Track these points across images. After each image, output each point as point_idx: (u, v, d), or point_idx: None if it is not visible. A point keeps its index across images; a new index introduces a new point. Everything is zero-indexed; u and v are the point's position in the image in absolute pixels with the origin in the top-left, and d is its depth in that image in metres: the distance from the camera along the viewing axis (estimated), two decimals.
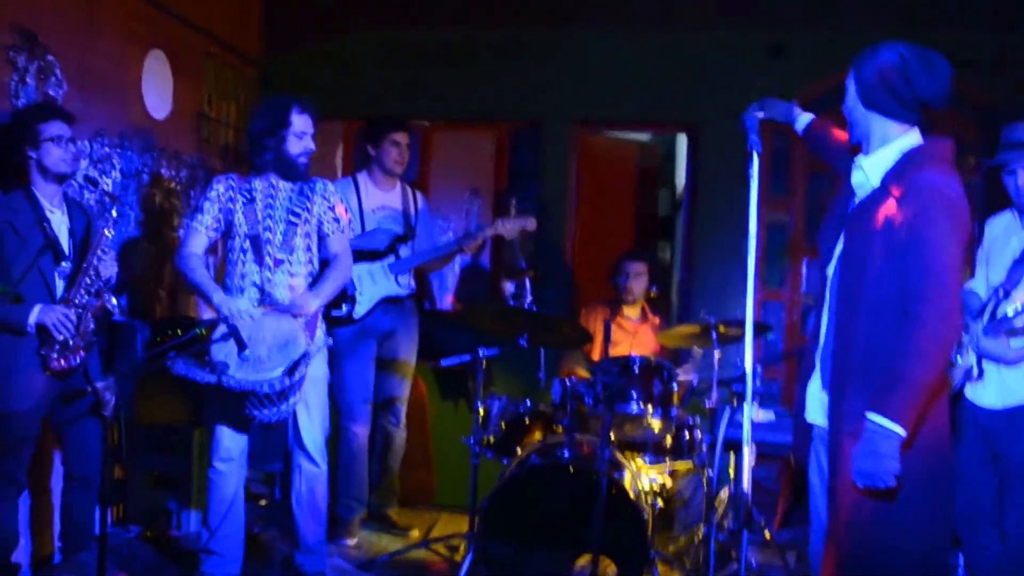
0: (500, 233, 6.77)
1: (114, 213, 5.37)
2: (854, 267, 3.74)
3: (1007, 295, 4.73)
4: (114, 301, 5.31)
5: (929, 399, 3.55)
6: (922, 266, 3.51)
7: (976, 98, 7.10)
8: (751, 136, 3.83)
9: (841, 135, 4.19)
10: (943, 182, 3.59)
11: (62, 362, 5.14)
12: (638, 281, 7.18)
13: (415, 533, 6.96)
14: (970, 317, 4.86)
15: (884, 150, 3.76)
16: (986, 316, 4.78)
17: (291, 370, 5.16)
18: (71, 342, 5.13)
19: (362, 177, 6.93)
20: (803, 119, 4.48)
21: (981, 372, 4.75)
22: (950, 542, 3.87)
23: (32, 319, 5.03)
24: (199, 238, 5.61)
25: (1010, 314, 4.58)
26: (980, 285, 5.00)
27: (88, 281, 5.21)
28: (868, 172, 3.79)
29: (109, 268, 5.34)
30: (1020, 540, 4.68)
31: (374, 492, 7.14)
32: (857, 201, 3.85)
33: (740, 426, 3.90)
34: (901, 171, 3.67)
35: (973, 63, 7.00)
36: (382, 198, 6.91)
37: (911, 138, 3.76)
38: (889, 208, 3.64)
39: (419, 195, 7.15)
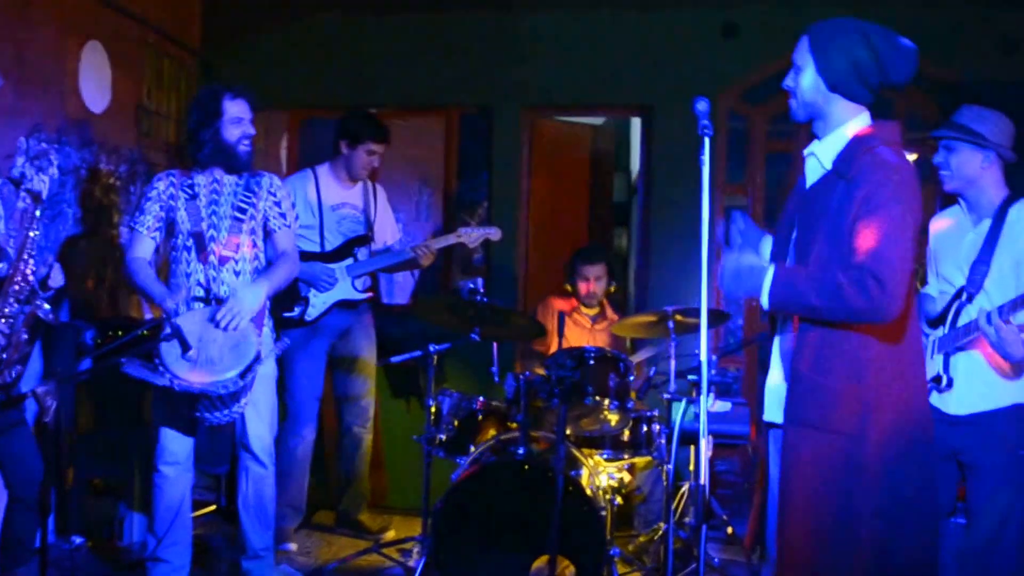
0: (463, 242, 6.78)
1: (38, 213, 5.28)
2: (806, 254, 3.78)
3: (970, 299, 4.65)
4: (47, 307, 5.21)
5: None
6: (875, 253, 3.53)
7: (934, 75, 7.15)
8: (701, 120, 3.84)
9: None
10: (894, 165, 3.63)
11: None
12: (598, 284, 7.19)
13: (391, 534, 6.99)
14: (927, 324, 4.85)
15: (836, 133, 3.81)
16: (947, 323, 4.75)
17: (245, 372, 5.15)
18: (4, 355, 5.06)
19: (323, 171, 6.91)
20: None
21: (950, 382, 4.71)
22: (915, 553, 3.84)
23: None
24: (143, 241, 5.58)
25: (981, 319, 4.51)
26: (934, 288, 4.95)
27: (16, 288, 5.07)
28: (820, 157, 3.84)
29: (41, 272, 5.27)
30: (987, 530, 4.69)
31: (343, 497, 7.18)
32: (808, 186, 3.89)
33: (697, 417, 3.91)
34: (852, 154, 3.71)
35: (931, 38, 7.04)
36: (343, 195, 6.92)
37: (862, 120, 3.81)
38: (840, 192, 3.68)
39: (380, 189, 7.17)
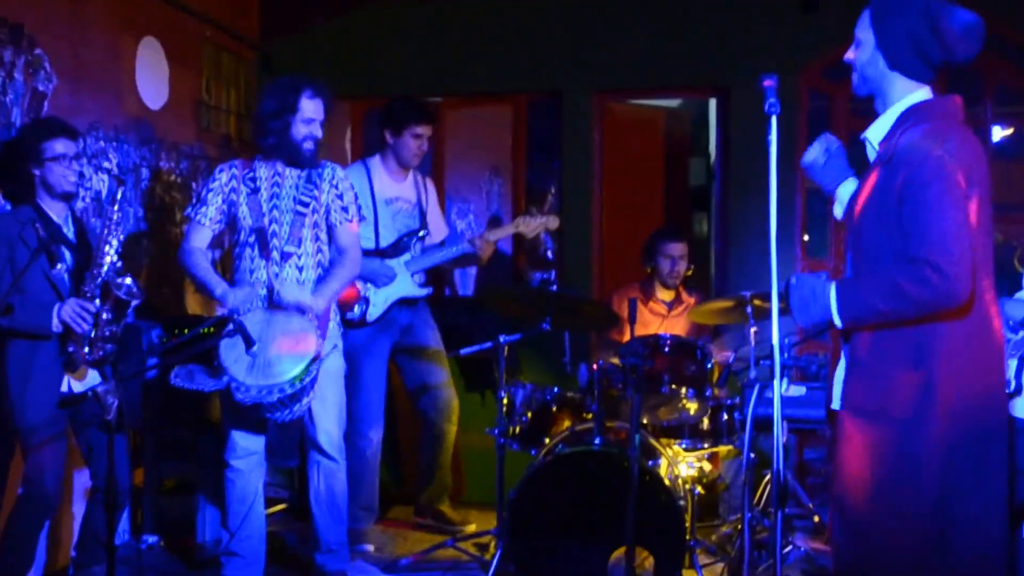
0: (521, 232, 6.76)
1: (119, 195, 5.27)
2: (858, 242, 3.73)
3: None
4: (128, 281, 5.20)
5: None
6: (925, 239, 3.44)
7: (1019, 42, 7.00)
8: (769, 98, 3.78)
9: None
10: (934, 141, 3.52)
11: (89, 356, 5.13)
12: (681, 264, 7.09)
13: (472, 527, 6.95)
14: (1009, 329, 4.69)
15: (890, 112, 3.73)
16: None
17: (300, 375, 5.16)
18: (95, 332, 5.11)
19: (375, 164, 6.87)
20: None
21: (1019, 388, 4.50)
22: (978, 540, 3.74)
23: (55, 319, 5.03)
24: (202, 232, 5.59)
25: None
26: None
27: (97, 272, 5.14)
28: (871, 139, 3.78)
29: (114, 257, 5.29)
30: None
31: (425, 489, 7.17)
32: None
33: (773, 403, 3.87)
34: (892, 136, 3.65)
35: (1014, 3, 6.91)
36: (396, 188, 6.87)
37: (920, 96, 3.71)
38: (883, 176, 3.60)
39: (429, 183, 7.14)
